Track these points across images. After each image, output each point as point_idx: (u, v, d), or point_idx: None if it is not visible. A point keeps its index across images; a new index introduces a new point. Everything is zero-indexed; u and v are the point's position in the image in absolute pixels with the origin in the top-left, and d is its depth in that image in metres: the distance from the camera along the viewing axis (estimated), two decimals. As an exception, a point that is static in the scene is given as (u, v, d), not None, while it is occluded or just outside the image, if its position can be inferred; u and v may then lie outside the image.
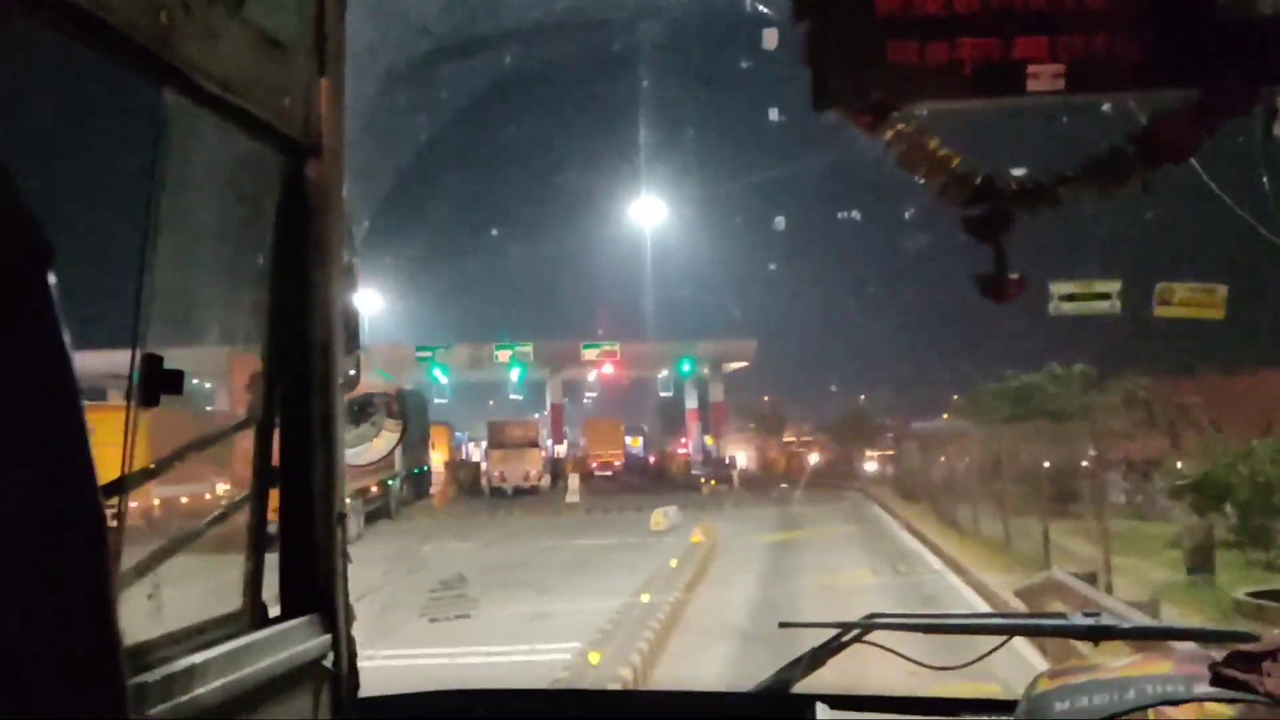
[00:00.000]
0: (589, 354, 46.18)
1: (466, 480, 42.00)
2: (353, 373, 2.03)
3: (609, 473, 49.00)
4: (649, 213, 44.80)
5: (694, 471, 47.43)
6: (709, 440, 56.02)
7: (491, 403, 54.19)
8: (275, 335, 1.93)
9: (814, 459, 52.91)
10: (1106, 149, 2.53)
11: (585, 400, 64.86)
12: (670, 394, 57.65)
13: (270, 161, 1.91)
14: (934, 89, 2.46)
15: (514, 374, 45.36)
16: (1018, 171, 2.59)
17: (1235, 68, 2.39)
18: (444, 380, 44.07)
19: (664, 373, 53.88)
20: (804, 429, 60.40)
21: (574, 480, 36.92)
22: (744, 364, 56.42)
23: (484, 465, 42.91)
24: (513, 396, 48.86)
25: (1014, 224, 2.50)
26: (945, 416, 42.55)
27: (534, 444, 42.23)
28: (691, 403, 58.74)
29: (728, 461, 48.94)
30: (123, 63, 1.54)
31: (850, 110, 2.46)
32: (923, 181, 2.56)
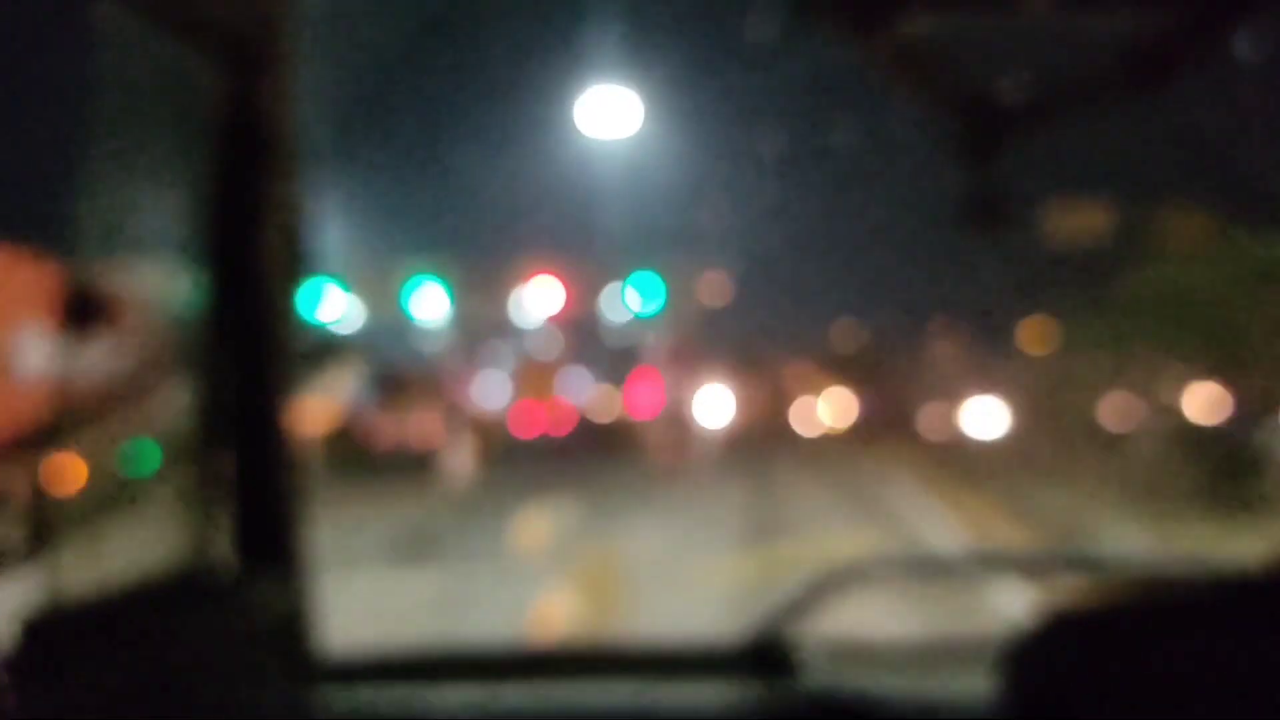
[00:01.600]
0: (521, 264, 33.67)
1: (344, 451, 27.84)
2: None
3: (558, 435, 37.72)
4: (614, 122, 34.78)
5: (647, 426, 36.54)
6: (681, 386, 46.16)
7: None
8: (218, 266, 1.77)
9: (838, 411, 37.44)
10: (1096, 68, 2.43)
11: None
12: (633, 331, 51.20)
13: (210, 72, 1.74)
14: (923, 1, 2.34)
15: (433, 299, 30.98)
16: (1008, 91, 2.47)
17: None
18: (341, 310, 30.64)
19: (624, 304, 39.12)
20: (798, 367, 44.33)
21: (463, 449, 27.19)
22: (720, 291, 48.19)
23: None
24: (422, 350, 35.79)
25: (1004, 146, 2.39)
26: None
27: (434, 395, 33.04)
28: (659, 342, 47.36)
29: (685, 420, 36.67)
30: None
31: (839, 21, 2.33)
32: (913, 99, 2.44)
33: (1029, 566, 2.40)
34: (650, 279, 32.88)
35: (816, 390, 39.19)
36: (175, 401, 1.77)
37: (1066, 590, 1.91)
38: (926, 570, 2.18)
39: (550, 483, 20.10)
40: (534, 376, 38.97)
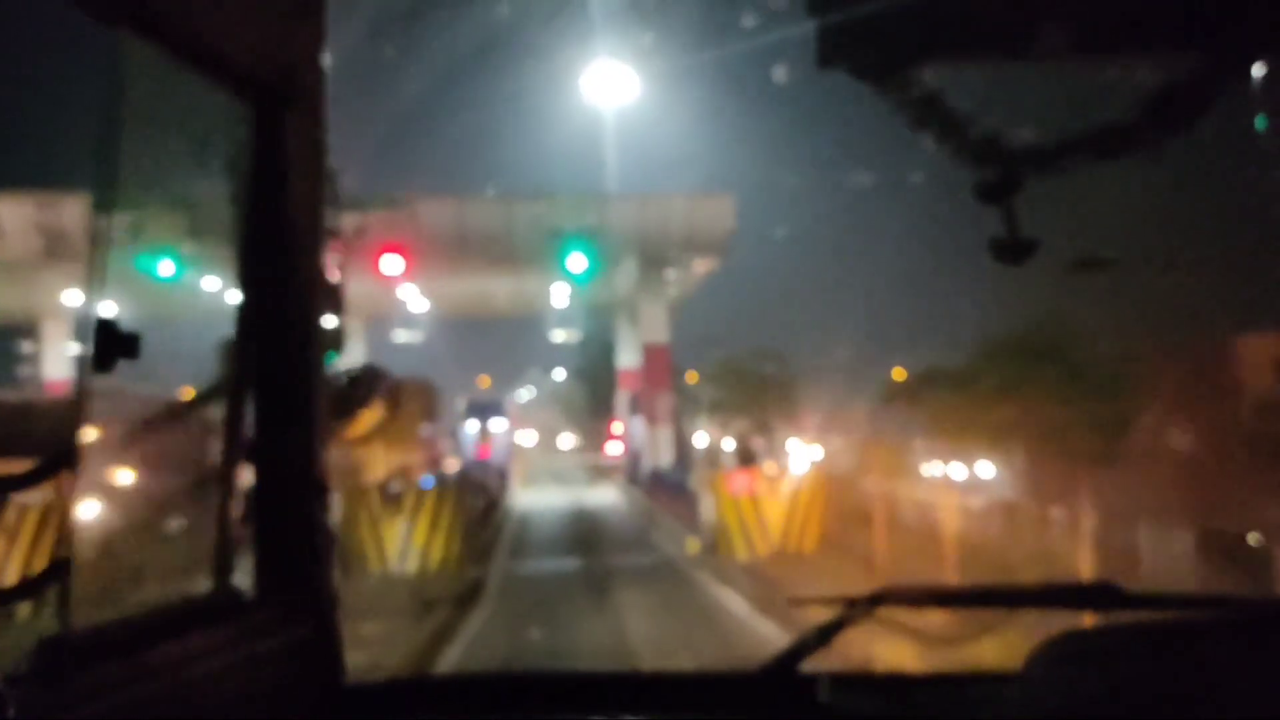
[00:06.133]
0: (349, 222, 16.14)
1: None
2: (336, 336, 1.89)
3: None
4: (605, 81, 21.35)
5: None
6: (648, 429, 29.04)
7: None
8: (250, 297, 1.78)
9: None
10: (1116, 116, 2.45)
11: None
12: (568, 334, 31.06)
13: (243, 112, 1.75)
14: (942, 49, 2.36)
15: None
16: (1027, 137, 2.49)
17: (1246, 29, 2.32)
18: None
19: (557, 295, 27.62)
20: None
21: None
22: (714, 257, 28.24)
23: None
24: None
25: (1023, 189, 2.41)
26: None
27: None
28: (629, 357, 30.34)
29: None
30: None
31: (858, 68, 2.35)
32: (933, 144, 2.45)
33: (1048, 598, 2.37)
34: (577, 237, 22.75)
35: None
36: (201, 425, 1.77)
37: (1087, 622, 1.89)
38: (942, 602, 2.14)
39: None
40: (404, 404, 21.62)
